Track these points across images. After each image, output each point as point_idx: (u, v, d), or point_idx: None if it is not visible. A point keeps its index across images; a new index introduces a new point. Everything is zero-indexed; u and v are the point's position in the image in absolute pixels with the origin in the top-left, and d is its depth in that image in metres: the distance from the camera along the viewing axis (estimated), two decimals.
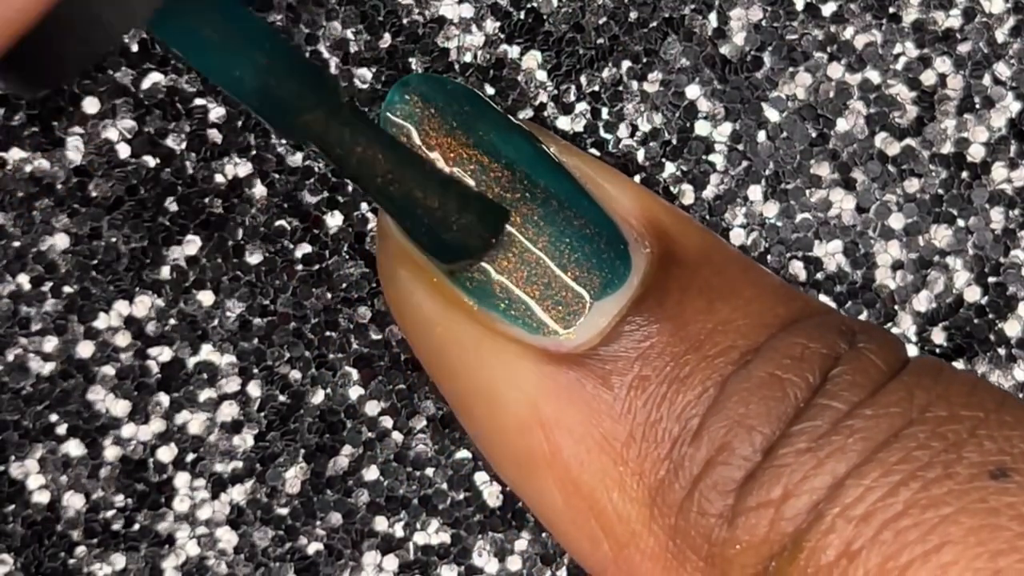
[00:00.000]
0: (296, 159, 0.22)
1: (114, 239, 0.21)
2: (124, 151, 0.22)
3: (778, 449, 0.16)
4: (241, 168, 0.22)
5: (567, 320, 0.18)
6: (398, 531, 0.22)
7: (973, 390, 0.17)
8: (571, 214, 0.19)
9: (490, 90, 0.22)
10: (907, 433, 0.16)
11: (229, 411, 0.22)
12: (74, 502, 0.21)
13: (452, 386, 0.19)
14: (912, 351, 0.22)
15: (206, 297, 0.22)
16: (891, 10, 0.22)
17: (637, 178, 0.22)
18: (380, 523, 0.22)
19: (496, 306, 0.18)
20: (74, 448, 0.21)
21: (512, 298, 0.18)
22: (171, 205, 0.21)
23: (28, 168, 0.21)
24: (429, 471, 0.22)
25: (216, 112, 0.22)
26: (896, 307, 0.22)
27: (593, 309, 0.18)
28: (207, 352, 0.21)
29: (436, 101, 0.19)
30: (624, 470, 0.18)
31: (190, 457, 0.21)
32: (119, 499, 0.21)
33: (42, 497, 0.21)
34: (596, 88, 0.22)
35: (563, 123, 0.22)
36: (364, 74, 0.22)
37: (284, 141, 0.22)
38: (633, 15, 0.22)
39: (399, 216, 0.18)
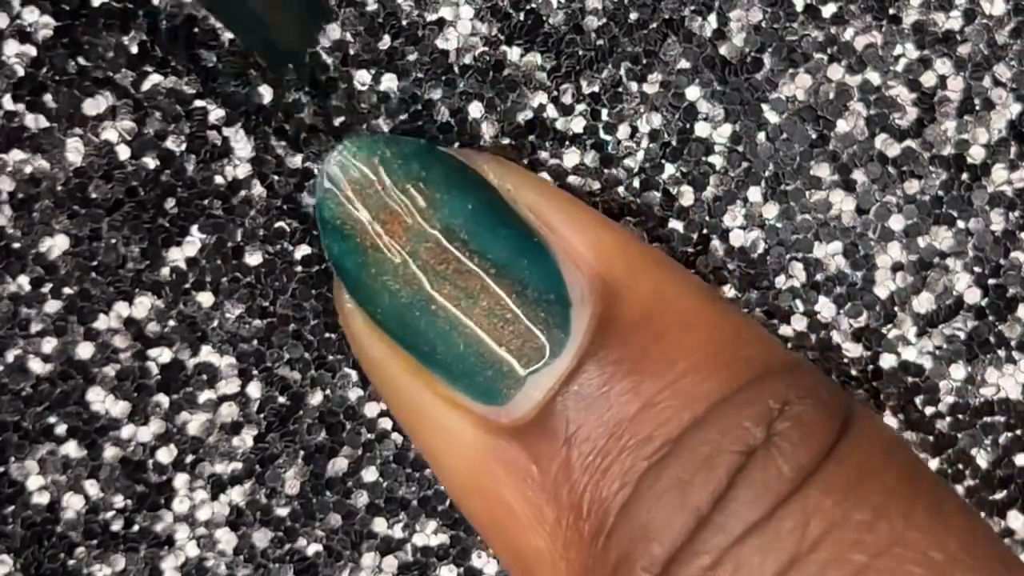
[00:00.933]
0: (296, 160, 0.22)
1: (114, 240, 0.21)
2: (124, 153, 0.22)
3: (672, 571, 0.17)
4: (241, 170, 0.22)
5: (504, 395, 0.18)
6: (397, 532, 0.22)
7: (879, 514, 0.17)
8: (511, 282, 0.18)
9: (489, 92, 0.22)
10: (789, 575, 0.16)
11: (229, 412, 0.22)
12: (74, 503, 0.21)
13: (407, 433, 0.20)
14: (912, 353, 0.22)
15: (206, 298, 0.22)
16: (891, 11, 0.22)
17: (636, 181, 0.22)
18: (379, 524, 0.22)
19: (438, 367, 0.18)
20: (74, 449, 0.21)
21: (452, 364, 0.18)
22: (171, 207, 0.22)
23: (28, 169, 0.21)
24: (428, 472, 0.22)
25: (216, 114, 0.22)
26: (896, 309, 0.22)
27: (529, 382, 0.18)
28: (207, 353, 0.22)
29: (375, 162, 0.19)
30: (555, 554, 0.18)
31: (189, 458, 0.21)
32: (119, 500, 0.21)
33: (42, 498, 0.21)
34: (596, 89, 0.22)
35: (562, 124, 0.22)
36: (363, 76, 0.22)
37: (284, 143, 0.22)
38: (633, 16, 0.22)
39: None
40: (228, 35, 0.22)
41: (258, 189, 0.22)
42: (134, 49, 0.22)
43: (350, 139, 0.19)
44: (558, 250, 0.19)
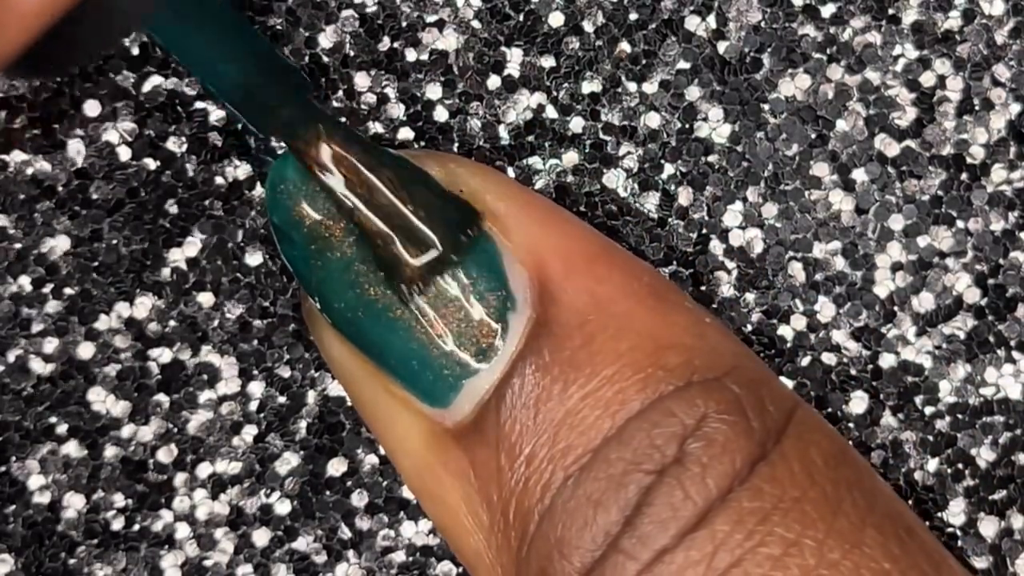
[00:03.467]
0: None
1: (115, 241, 0.22)
2: (125, 154, 0.22)
3: None
4: (241, 170, 0.22)
5: (445, 398, 0.18)
6: (396, 532, 0.22)
7: (788, 551, 0.16)
8: (467, 273, 0.18)
9: (488, 93, 0.22)
10: None
11: (229, 412, 0.22)
12: (74, 502, 0.21)
13: (368, 428, 0.20)
14: (911, 353, 0.22)
15: (206, 299, 0.22)
16: (890, 12, 0.22)
17: (636, 181, 0.22)
18: (378, 524, 0.22)
19: (388, 363, 0.19)
20: (74, 449, 0.21)
21: (398, 365, 0.18)
22: (171, 207, 0.22)
23: (29, 170, 0.22)
24: None
25: (216, 115, 0.22)
26: (895, 308, 0.22)
27: (465, 385, 0.18)
28: (207, 353, 0.22)
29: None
30: (491, 557, 0.18)
31: (190, 458, 0.22)
32: (119, 499, 0.21)
33: (43, 498, 0.21)
34: (595, 89, 0.22)
35: (561, 124, 0.22)
36: (363, 78, 0.22)
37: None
38: (632, 16, 0.22)
39: (361, 219, 0.18)
40: None
41: (258, 190, 0.22)
42: (135, 51, 0.22)
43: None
44: (505, 251, 0.19)
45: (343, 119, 0.22)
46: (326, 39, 0.22)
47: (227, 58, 0.17)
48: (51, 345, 0.21)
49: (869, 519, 0.17)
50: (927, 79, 0.22)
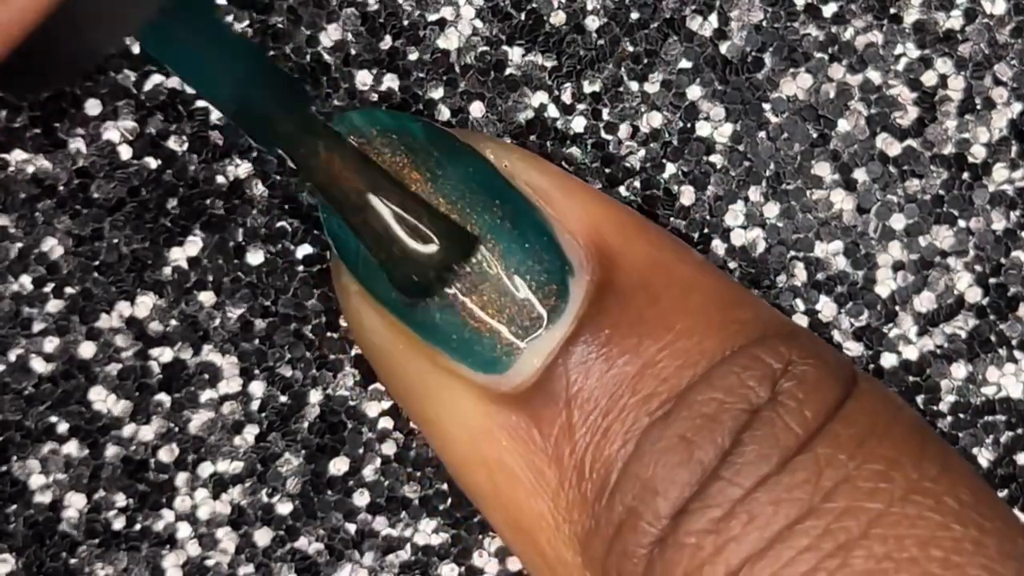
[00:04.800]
0: None
1: (116, 240, 0.22)
2: (126, 152, 0.22)
3: (681, 525, 0.17)
4: (242, 169, 0.22)
5: (504, 363, 0.18)
6: (398, 531, 0.22)
7: (891, 466, 0.17)
8: (509, 252, 0.18)
9: (490, 91, 0.22)
10: (801, 528, 0.16)
11: (230, 411, 0.22)
12: (76, 502, 0.21)
13: (406, 410, 0.19)
14: (913, 352, 0.22)
15: (207, 298, 0.22)
16: (892, 11, 0.22)
17: (637, 180, 0.22)
18: (380, 523, 0.22)
19: (439, 340, 0.18)
20: (75, 448, 0.21)
21: (455, 331, 0.18)
22: (172, 206, 0.22)
23: (30, 169, 0.21)
24: (429, 471, 0.22)
25: (217, 114, 0.22)
26: (897, 308, 0.22)
27: (528, 348, 0.18)
28: (208, 352, 0.22)
29: (373, 133, 0.19)
30: (558, 517, 0.18)
31: (191, 457, 0.21)
32: (120, 499, 0.21)
33: (44, 497, 0.21)
34: (596, 89, 0.22)
35: (563, 124, 0.22)
36: (364, 76, 0.22)
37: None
38: (634, 16, 0.22)
39: (364, 234, 0.18)
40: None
41: (259, 188, 0.22)
42: (135, 49, 0.22)
43: (347, 113, 0.19)
44: (554, 220, 0.19)
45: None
46: (327, 37, 0.22)
47: (221, 70, 0.17)
48: (52, 344, 0.21)
49: (948, 449, 0.17)
50: (929, 78, 0.22)
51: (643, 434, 0.17)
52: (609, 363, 0.18)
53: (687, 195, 0.22)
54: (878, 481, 0.16)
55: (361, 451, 0.22)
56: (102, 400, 0.21)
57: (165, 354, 0.22)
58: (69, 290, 0.21)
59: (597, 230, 0.19)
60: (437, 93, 0.22)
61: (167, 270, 0.22)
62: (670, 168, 0.22)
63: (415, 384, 0.19)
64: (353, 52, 0.22)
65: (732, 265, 0.22)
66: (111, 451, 0.21)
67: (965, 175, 0.22)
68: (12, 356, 0.21)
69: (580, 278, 0.18)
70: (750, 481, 0.16)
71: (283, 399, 0.22)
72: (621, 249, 0.18)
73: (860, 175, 0.22)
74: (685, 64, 0.22)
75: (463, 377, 0.18)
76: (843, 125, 0.22)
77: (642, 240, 0.19)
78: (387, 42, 0.22)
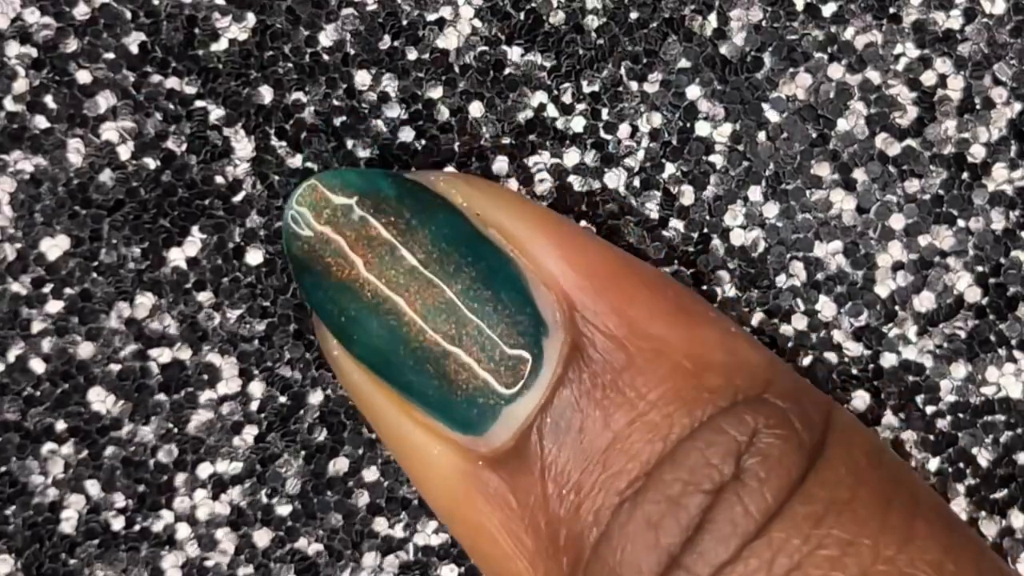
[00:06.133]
0: (296, 160, 0.22)
1: (115, 240, 0.21)
2: (125, 153, 0.22)
3: None
4: (241, 169, 0.22)
5: (481, 425, 0.18)
6: (398, 532, 0.22)
7: (844, 552, 0.17)
8: (484, 310, 0.18)
9: (490, 91, 0.22)
10: None
11: (229, 412, 0.22)
12: (75, 503, 0.21)
13: (392, 454, 0.20)
14: (912, 352, 0.22)
15: (206, 298, 0.22)
16: (891, 11, 0.22)
17: (637, 180, 0.22)
18: (380, 524, 0.22)
19: (416, 397, 0.19)
20: (75, 449, 0.21)
21: (431, 390, 0.18)
22: (171, 207, 0.22)
23: (29, 169, 0.21)
24: None
25: (216, 114, 0.22)
26: (896, 308, 0.22)
27: (505, 412, 0.18)
28: (207, 353, 0.22)
29: (342, 199, 0.19)
30: None
31: (190, 458, 0.21)
32: (120, 500, 0.21)
33: (43, 498, 0.21)
34: (596, 89, 0.22)
35: (563, 123, 0.22)
36: (363, 76, 0.22)
37: (284, 143, 0.22)
38: (633, 15, 0.22)
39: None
40: (229, 35, 0.22)
41: (258, 189, 0.22)
42: (134, 49, 0.22)
43: (313, 176, 0.19)
44: (528, 273, 0.19)
45: (343, 119, 0.22)
46: (326, 37, 0.22)
47: None
48: (51, 345, 0.21)
49: (917, 512, 0.17)
50: (928, 78, 0.22)
51: (613, 515, 0.17)
52: (581, 435, 0.18)
53: (687, 195, 0.22)
54: (829, 569, 0.17)
55: (361, 451, 0.22)
56: (101, 401, 0.21)
57: (164, 355, 0.22)
58: (68, 291, 0.21)
59: (571, 283, 0.19)
60: (436, 93, 0.22)
61: (166, 270, 0.22)
62: (669, 168, 0.22)
63: (397, 439, 0.19)
64: (352, 52, 0.22)
65: (732, 265, 0.22)
66: (110, 452, 0.21)
67: (964, 175, 0.22)
68: (11, 357, 0.21)
69: (555, 338, 0.18)
70: (708, 571, 0.17)
71: (282, 399, 0.22)
72: (591, 306, 0.18)
73: (860, 175, 0.22)
74: (684, 64, 0.22)
75: (442, 435, 0.18)
76: (842, 125, 0.22)
77: (615, 293, 0.19)
78: (386, 42, 0.22)
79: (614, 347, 0.18)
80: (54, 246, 0.21)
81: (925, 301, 0.22)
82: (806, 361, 0.22)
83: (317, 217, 0.19)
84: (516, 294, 0.18)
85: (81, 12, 0.22)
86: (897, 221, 0.22)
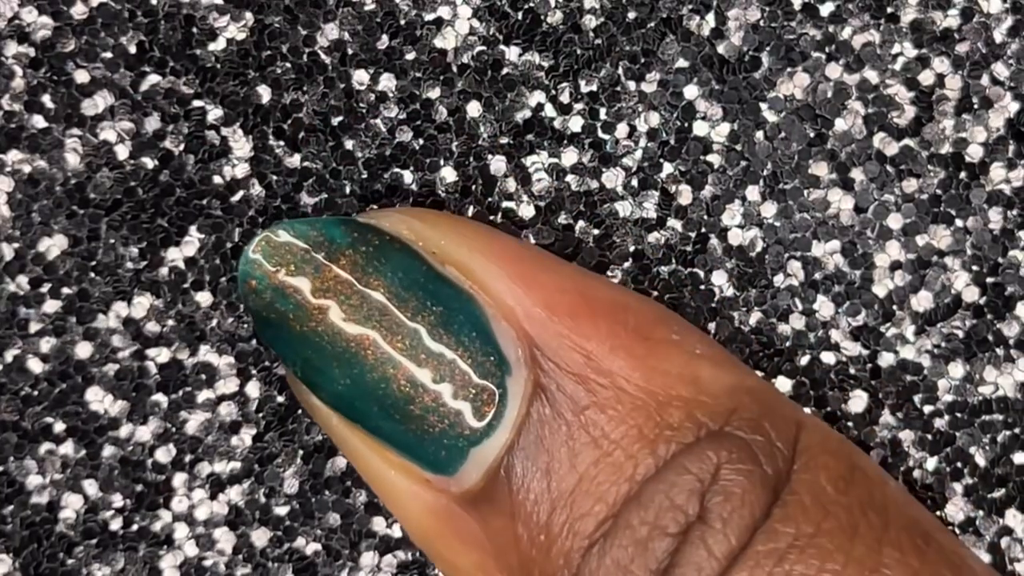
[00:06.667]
0: (294, 160, 0.22)
1: (112, 240, 0.21)
2: (123, 152, 0.22)
3: None
4: (239, 169, 0.22)
5: (450, 466, 0.18)
6: (396, 531, 0.22)
7: None
8: (445, 351, 0.18)
9: (488, 91, 0.22)
10: None
11: (227, 412, 0.22)
12: (73, 502, 0.21)
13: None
14: (910, 352, 0.22)
15: (204, 298, 0.22)
16: (889, 10, 0.22)
17: (635, 180, 0.22)
18: (378, 523, 0.22)
19: (386, 439, 0.19)
20: (72, 449, 0.21)
21: (399, 435, 0.19)
22: (169, 207, 0.22)
23: (27, 169, 0.21)
24: None
25: (214, 113, 0.22)
26: (894, 307, 0.22)
27: (472, 453, 0.18)
28: (205, 353, 0.22)
29: (296, 249, 0.19)
30: None
31: (188, 458, 0.21)
32: (117, 499, 0.21)
33: (41, 498, 0.21)
34: (594, 88, 0.22)
35: (560, 123, 0.22)
36: (361, 75, 0.22)
37: (282, 142, 0.22)
38: (631, 15, 0.22)
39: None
40: (227, 34, 0.22)
41: (256, 189, 0.22)
42: (132, 49, 0.22)
43: (265, 229, 0.19)
44: (489, 310, 0.19)
45: (341, 119, 0.22)
46: (324, 37, 0.22)
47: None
48: (49, 345, 0.21)
49: (885, 537, 0.17)
50: (926, 78, 0.22)
51: (583, 559, 0.17)
52: (548, 477, 0.18)
53: (684, 195, 0.22)
54: None
55: None
56: (99, 400, 0.21)
57: (162, 354, 0.22)
58: (66, 291, 0.21)
59: (527, 317, 0.19)
60: (434, 93, 0.22)
61: (164, 270, 0.22)
62: (667, 167, 0.22)
63: (375, 478, 0.19)
64: (350, 52, 0.22)
65: (729, 265, 0.22)
66: (108, 451, 0.21)
67: (962, 174, 0.22)
68: (9, 357, 0.21)
69: (518, 376, 0.18)
70: None
71: (280, 399, 0.22)
72: (551, 342, 0.18)
73: (857, 174, 0.22)
74: (682, 63, 0.22)
75: (415, 475, 0.19)
76: (840, 124, 0.22)
77: (574, 330, 0.19)
78: (384, 41, 0.22)
79: (575, 384, 0.18)
80: (52, 246, 0.21)
81: (923, 301, 0.22)
82: (803, 361, 0.22)
83: (272, 270, 0.19)
84: (478, 334, 0.18)
85: (79, 11, 0.22)
86: (895, 221, 0.22)
